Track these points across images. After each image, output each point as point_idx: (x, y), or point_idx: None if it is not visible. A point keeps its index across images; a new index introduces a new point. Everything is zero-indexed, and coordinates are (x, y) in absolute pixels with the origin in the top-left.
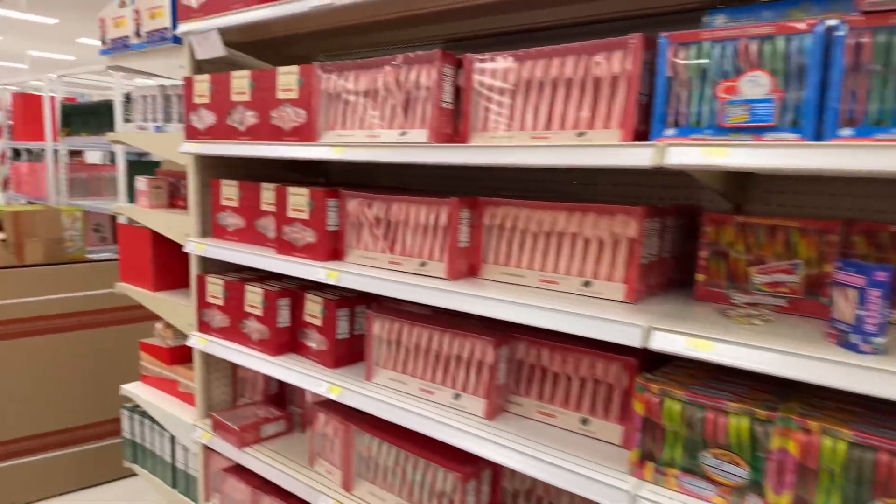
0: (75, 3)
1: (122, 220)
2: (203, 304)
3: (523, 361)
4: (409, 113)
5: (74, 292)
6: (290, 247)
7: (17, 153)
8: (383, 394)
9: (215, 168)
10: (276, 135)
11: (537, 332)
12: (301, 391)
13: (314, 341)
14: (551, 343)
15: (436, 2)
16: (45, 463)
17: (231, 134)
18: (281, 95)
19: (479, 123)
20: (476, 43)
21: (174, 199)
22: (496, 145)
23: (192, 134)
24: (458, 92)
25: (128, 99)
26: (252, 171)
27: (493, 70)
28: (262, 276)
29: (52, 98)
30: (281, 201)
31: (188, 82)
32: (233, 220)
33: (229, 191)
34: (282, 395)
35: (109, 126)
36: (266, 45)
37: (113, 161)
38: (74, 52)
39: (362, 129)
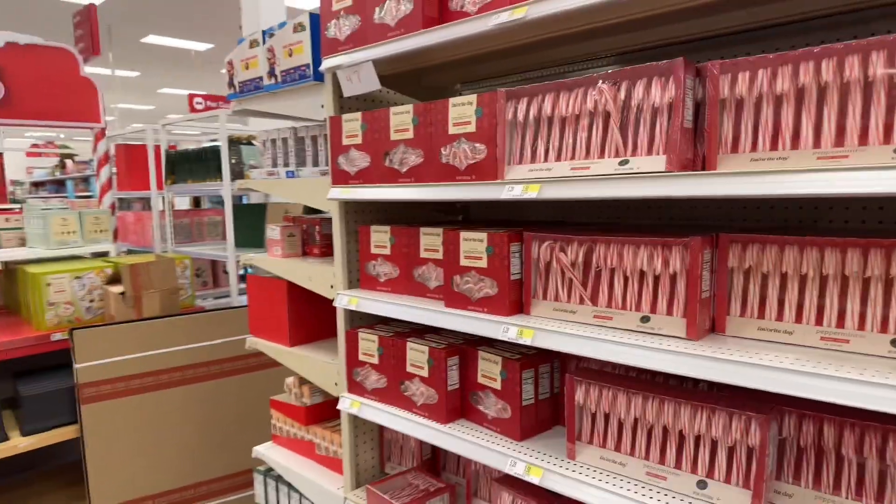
0: (155, 55)
1: (248, 269)
2: (354, 363)
3: (792, 439)
4: (628, 138)
5: (192, 343)
6: (463, 299)
7: (122, 203)
8: (596, 478)
9: (358, 213)
10: (448, 175)
11: (809, 403)
12: (462, 458)
13: (491, 407)
14: (836, 417)
15: (667, 2)
16: None
17: (389, 176)
18: (454, 130)
19: (726, 145)
20: (660, 52)
21: (307, 246)
22: (768, 170)
23: (342, 178)
24: (696, 108)
25: (239, 143)
26: (390, 215)
27: (754, 77)
28: (416, 329)
29: (157, 147)
30: (451, 248)
31: (334, 122)
32: (385, 270)
33: (380, 237)
34: (436, 461)
35: (216, 172)
36: (404, 77)
37: (195, 204)
38: (154, 102)
39: (561, 160)
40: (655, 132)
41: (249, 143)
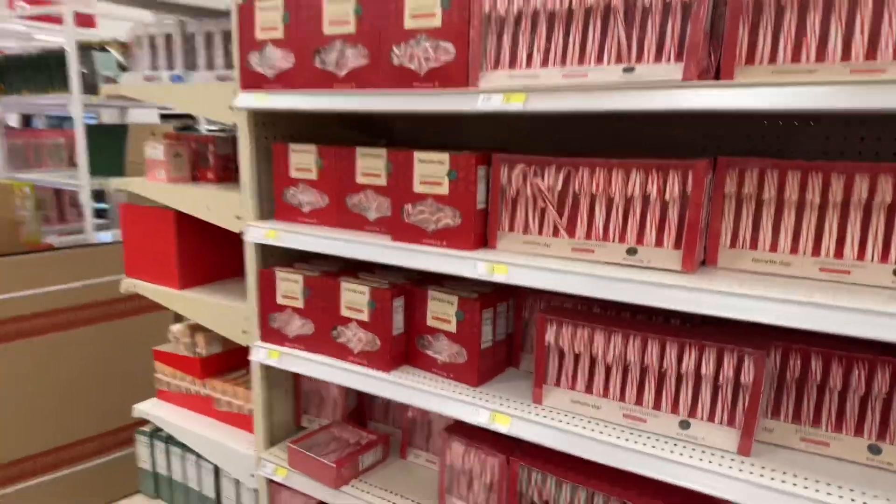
0: None
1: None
2: (270, 307)
3: (775, 375)
4: (632, 41)
5: (43, 287)
6: (417, 232)
7: None
8: (570, 423)
9: (268, 128)
10: (402, 80)
11: (797, 335)
12: (392, 406)
13: (443, 351)
14: (826, 350)
15: None
16: (42, 488)
17: (322, 81)
18: (411, 24)
19: (741, 55)
20: None
21: (198, 169)
22: (799, 81)
23: (254, 82)
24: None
25: (91, 49)
26: (297, 131)
27: None
28: (344, 268)
29: None
30: (402, 172)
31: (245, 11)
32: (309, 198)
33: (303, 159)
34: (361, 411)
35: (61, 83)
36: None
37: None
38: None
39: (549, 66)
40: (666, 36)
41: (104, 50)
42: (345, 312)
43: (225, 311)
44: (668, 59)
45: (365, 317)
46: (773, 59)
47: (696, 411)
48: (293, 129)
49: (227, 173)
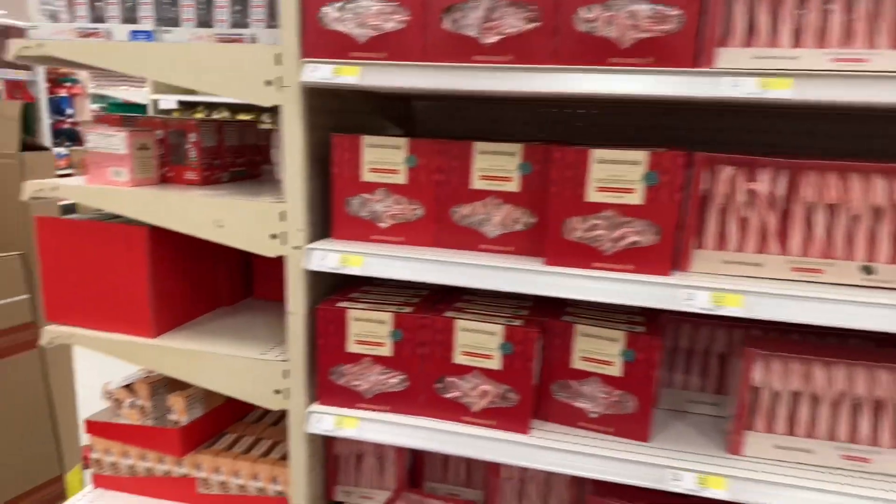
0: None
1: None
2: (335, 357)
3: None
4: None
5: None
6: (585, 253)
7: None
8: (790, 474)
9: (314, 115)
10: (591, 54)
11: None
12: (461, 462)
13: (596, 401)
14: None
15: None
16: None
17: (455, 49)
18: None
19: None
20: None
21: (170, 167)
22: None
23: (330, 46)
24: None
25: None
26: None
27: None
28: (425, 297)
29: None
30: (569, 174)
31: None
32: (391, 208)
33: (385, 156)
34: (415, 472)
35: None
36: None
37: None
38: None
39: (801, 47)
40: None
41: None
42: (460, 360)
43: (244, 367)
44: None
45: (494, 364)
46: None
47: None
48: (343, 120)
49: (215, 173)
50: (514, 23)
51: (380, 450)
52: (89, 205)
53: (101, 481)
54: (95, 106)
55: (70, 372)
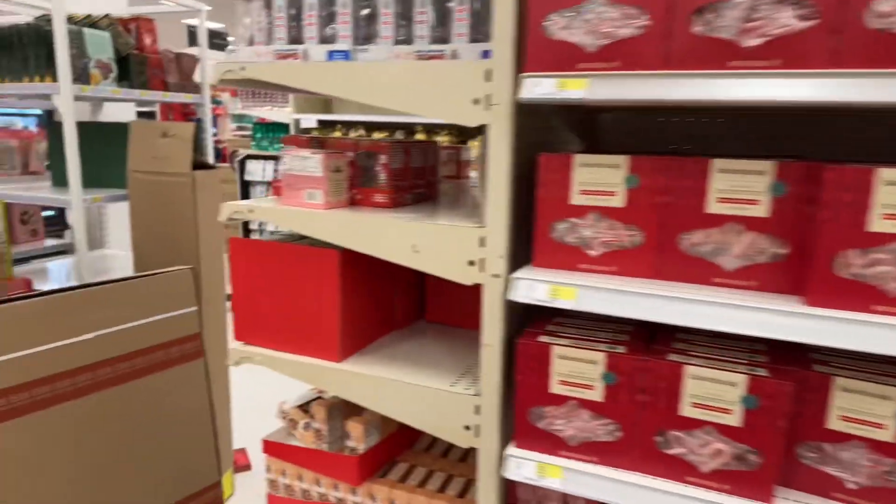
0: None
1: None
2: (535, 397)
3: None
4: None
5: (38, 345)
6: (866, 294)
7: None
8: None
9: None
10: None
11: None
12: None
13: (860, 470)
14: None
15: None
16: None
17: (705, 55)
18: None
19: None
20: None
21: (358, 189)
22: None
23: (554, 59)
24: None
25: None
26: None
27: None
28: (618, 332)
29: None
30: (845, 193)
31: None
32: (603, 234)
33: (600, 176)
34: None
35: (37, 67)
36: None
37: None
38: None
39: None
40: None
41: (96, 27)
42: (689, 412)
43: (433, 398)
44: None
45: (733, 419)
46: None
47: None
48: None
49: (401, 195)
50: (785, 21)
51: (566, 499)
52: (284, 227)
53: (275, 502)
54: (233, 125)
55: (226, 378)
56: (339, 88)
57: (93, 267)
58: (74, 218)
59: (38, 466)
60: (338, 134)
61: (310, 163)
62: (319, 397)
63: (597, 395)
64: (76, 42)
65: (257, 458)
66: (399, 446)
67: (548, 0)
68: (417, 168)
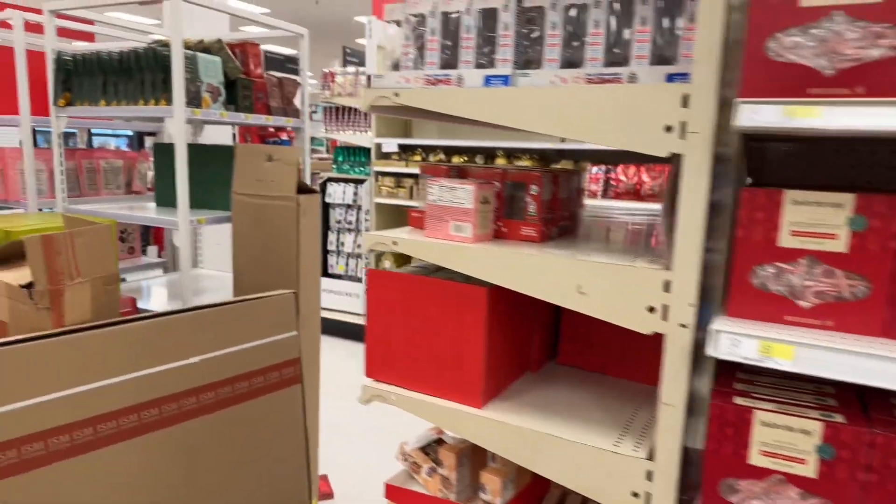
0: None
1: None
2: (729, 466)
3: None
4: None
5: (154, 366)
6: None
7: None
8: None
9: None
10: None
11: None
12: None
13: None
14: None
15: None
16: None
17: None
18: None
19: None
20: None
21: (503, 220)
22: None
23: (792, 83)
24: None
25: (191, 49)
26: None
27: None
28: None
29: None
30: None
31: None
32: (816, 284)
33: (816, 215)
34: None
35: (152, 91)
36: None
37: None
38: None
39: None
40: None
41: (208, 52)
42: None
43: (593, 458)
44: None
45: None
46: None
47: None
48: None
49: (549, 228)
50: None
51: None
52: (430, 260)
53: None
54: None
55: (317, 404)
56: (502, 116)
57: (192, 286)
58: (181, 239)
59: (141, 489)
60: (418, 158)
61: (459, 193)
62: (441, 439)
63: (809, 470)
64: (190, 66)
65: (338, 484)
66: (532, 498)
67: (774, 17)
68: (564, 199)
